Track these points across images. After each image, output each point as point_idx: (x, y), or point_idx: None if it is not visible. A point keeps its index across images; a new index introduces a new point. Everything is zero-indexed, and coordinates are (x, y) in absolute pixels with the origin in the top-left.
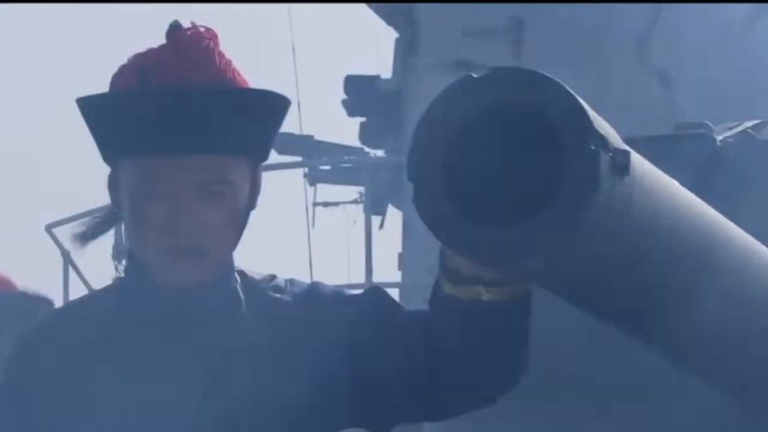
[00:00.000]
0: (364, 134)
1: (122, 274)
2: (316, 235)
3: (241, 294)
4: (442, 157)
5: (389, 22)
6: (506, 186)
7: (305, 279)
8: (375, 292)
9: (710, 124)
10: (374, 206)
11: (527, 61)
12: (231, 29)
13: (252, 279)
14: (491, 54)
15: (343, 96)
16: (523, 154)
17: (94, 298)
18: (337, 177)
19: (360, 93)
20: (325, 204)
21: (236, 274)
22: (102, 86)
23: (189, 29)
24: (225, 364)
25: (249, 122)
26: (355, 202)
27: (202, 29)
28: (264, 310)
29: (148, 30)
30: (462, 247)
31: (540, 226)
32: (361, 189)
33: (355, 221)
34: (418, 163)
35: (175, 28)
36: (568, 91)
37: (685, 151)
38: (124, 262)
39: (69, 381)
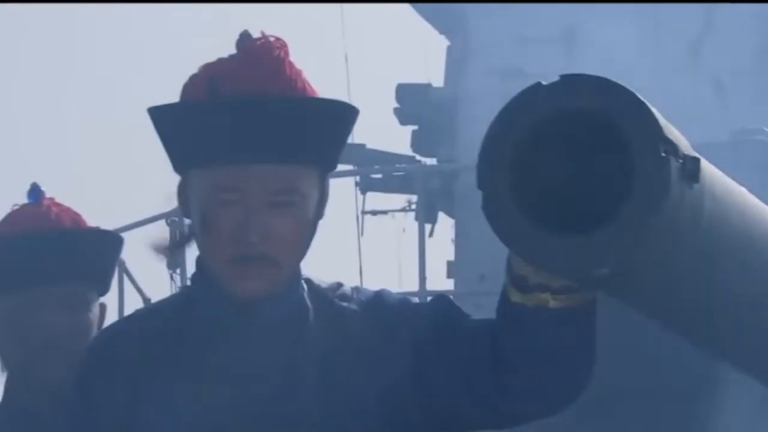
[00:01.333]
0: (416, 142)
1: (177, 283)
2: (365, 244)
3: (308, 303)
4: (511, 164)
5: (441, 30)
6: (575, 193)
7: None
8: (441, 301)
9: (767, 130)
10: (425, 214)
11: (580, 68)
12: (284, 37)
13: (318, 287)
14: (544, 61)
15: (395, 104)
16: (592, 161)
17: (162, 306)
18: (388, 185)
19: (412, 101)
20: (374, 212)
21: (303, 283)
22: (164, 95)
23: (259, 39)
24: (292, 373)
25: (318, 132)
26: (403, 210)
27: (272, 39)
28: (331, 319)
29: (213, 40)
30: (531, 256)
31: (610, 234)
32: (410, 197)
33: (404, 229)
34: (487, 170)
35: (245, 38)
36: (637, 98)
37: (743, 157)
38: (179, 270)
39: (136, 387)
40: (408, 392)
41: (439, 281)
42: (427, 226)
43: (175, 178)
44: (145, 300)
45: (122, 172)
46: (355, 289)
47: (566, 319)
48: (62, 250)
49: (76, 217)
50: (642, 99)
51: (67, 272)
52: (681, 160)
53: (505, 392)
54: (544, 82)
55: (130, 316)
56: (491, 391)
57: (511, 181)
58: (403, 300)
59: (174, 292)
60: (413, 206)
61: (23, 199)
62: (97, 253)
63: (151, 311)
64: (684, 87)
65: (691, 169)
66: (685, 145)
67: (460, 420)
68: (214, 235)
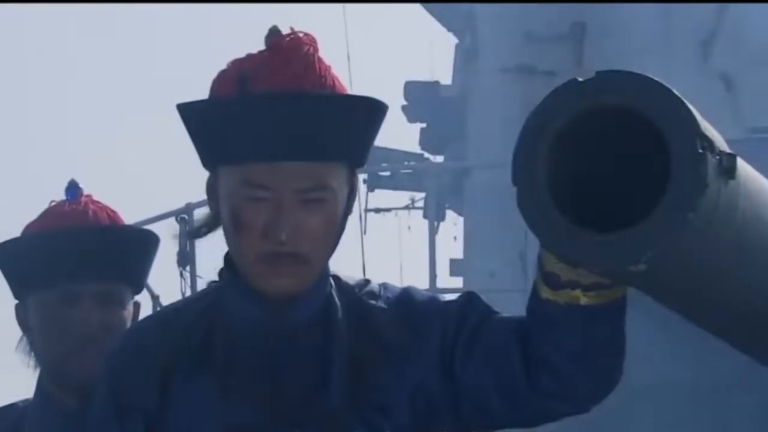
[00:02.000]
0: (425, 140)
1: (186, 280)
2: (367, 242)
3: (336, 301)
4: (546, 161)
5: (449, 28)
6: (611, 189)
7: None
8: (470, 298)
9: None
10: (434, 212)
11: (589, 65)
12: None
13: (346, 284)
14: (553, 58)
15: (403, 102)
16: (627, 157)
17: (193, 302)
18: (396, 183)
19: (420, 99)
20: (377, 210)
21: (331, 280)
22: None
23: (288, 35)
24: (322, 371)
25: (349, 128)
26: (406, 208)
27: (301, 35)
28: (359, 317)
29: (213, 40)
30: (568, 252)
31: (648, 230)
32: (414, 195)
33: (410, 227)
34: (522, 167)
35: (274, 34)
36: (674, 94)
37: (757, 155)
38: (188, 267)
39: (166, 384)
40: (438, 390)
41: (443, 279)
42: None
43: (186, 176)
44: (154, 297)
45: (133, 169)
46: (383, 286)
47: (597, 316)
48: (100, 247)
49: (113, 215)
50: (678, 94)
51: (104, 270)
52: (717, 157)
53: (536, 390)
54: (579, 79)
55: (160, 313)
56: (523, 388)
57: (547, 178)
58: (432, 298)
59: (183, 289)
60: (416, 204)
61: (56, 196)
62: (133, 251)
63: (182, 308)
64: (694, 85)
65: (727, 165)
66: (720, 142)
67: (490, 417)
68: (244, 233)
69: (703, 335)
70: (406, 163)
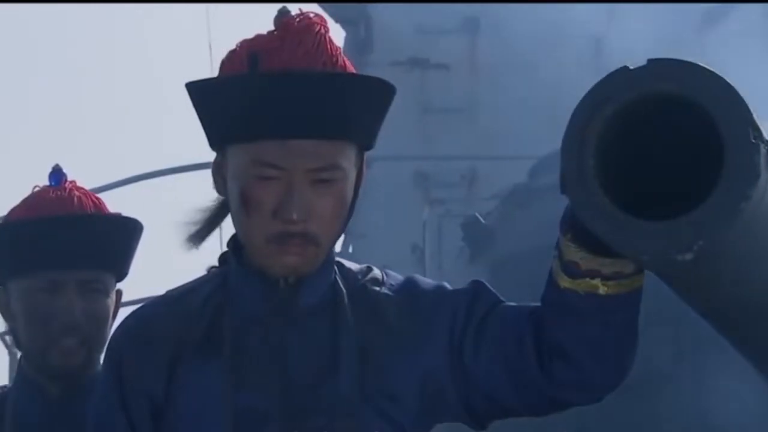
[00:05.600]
0: None
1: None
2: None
3: (342, 287)
4: (596, 149)
5: (337, 20)
6: (659, 178)
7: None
8: (478, 286)
9: None
10: None
11: (482, 60)
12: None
13: (350, 271)
14: (446, 52)
15: None
16: (677, 145)
17: (199, 286)
18: None
19: None
20: None
21: (335, 266)
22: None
23: (299, 15)
24: (330, 356)
25: (359, 108)
26: None
27: (311, 15)
28: (365, 304)
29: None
30: (617, 240)
31: (700, 219)
32: None
33: None
34: (572, 155)
35: (283, 15)
36: (727, 83)
37: None
38: None
39: (173, 369)
40: (447, 378)
41: None
42: None
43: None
44: None
45: (39, 154)
46: (385, 272)
47: (615, 306)
48: (85, 236)
49: (97, 202)
50: (730, 83)
51: (88, 259)
52: (767, 147)
53: (549, 378)
54: (630, 66)
55: (164, 296)
56: (535, 377)
57: (597, 167)
58: (438, 285)
59: None
60: None
61: (36, 180)
62: (118, 239)
63: (188, 291)
64: (589, 81)
65: None
66: (765, 131)
67: (501, 406)
68: (254, 213)
69: None
70: None
